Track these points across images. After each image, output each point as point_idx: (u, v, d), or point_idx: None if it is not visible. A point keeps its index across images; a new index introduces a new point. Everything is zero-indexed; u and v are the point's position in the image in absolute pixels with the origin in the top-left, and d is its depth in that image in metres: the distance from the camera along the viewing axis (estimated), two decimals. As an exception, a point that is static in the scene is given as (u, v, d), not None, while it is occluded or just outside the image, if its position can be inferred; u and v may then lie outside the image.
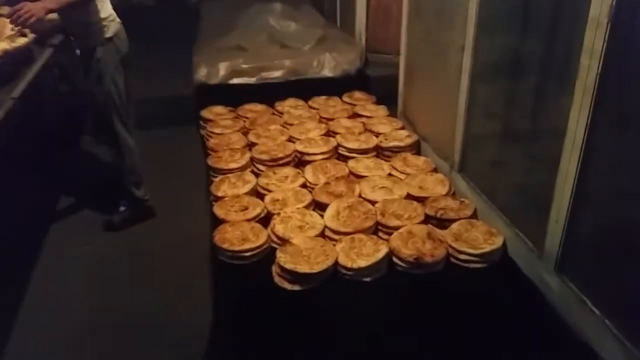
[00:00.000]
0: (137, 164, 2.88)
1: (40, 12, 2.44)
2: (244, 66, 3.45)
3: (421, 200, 2.25)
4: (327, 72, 3.48)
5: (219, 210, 2.24)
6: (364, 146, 2.69)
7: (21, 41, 2.21)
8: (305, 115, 3.14)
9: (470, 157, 2.31)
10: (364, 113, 3.12)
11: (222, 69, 3.43)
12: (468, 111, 2.27)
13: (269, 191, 2.38)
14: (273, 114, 3.24)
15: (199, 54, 3.64)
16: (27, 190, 2.94)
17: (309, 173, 2.49)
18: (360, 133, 2.85)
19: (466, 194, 2.28)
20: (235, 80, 3.44)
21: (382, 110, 3.13)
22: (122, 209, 2.89)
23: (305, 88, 3.43)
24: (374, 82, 3.51)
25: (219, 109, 3.30)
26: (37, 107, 2.78)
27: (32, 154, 2.98)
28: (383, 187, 2.33)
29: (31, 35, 2.31)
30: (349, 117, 3.08)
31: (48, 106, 2.93)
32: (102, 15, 2.71)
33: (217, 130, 3.01)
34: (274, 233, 2.03)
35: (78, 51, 2.79)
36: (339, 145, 2.72)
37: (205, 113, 3.25)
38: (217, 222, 2.20)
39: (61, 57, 2.68)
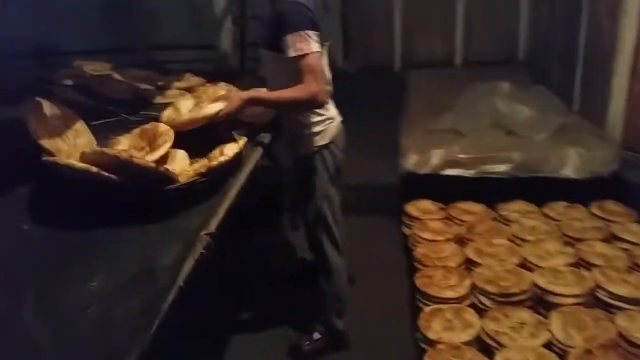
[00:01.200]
0: (344, 290, 2.14)
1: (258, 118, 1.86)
2: (461, 155, 2.90)
3: None
4: (569, 172, 2.73)
5: (431, 365, 1.70)
6: (637, 294, 1.91)
7: (230, 152, 1.52)
8: (541, 228, 2.47)
9: None
10: (626, 237, 2.33)
11: (435, 157, 2.93)
12: None
13: (500, 345, 1.77)
14: (495, 219, 2.63)
15: (408, 137, 3.20)
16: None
17: (556, 326, 1.82)
18: (626, 269, 2.07)
19: None
20: (449, 172, 2.90)
21: (654, 237, 2.30)
22: (315, 336, 2.13)
23: (537, 189, 2.74)
24: (636, 191, 2.66)
25: (426, 204, 2.82)
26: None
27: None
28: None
29: (244, 140, 1.62)
30: (605, 240, 2.31)
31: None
32: (326, 114, 1.97)
33: (426, 235, 2.51)
34: None
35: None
36: (597, 286, 1.98)
37: (410, 208, 2.79)
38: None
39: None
